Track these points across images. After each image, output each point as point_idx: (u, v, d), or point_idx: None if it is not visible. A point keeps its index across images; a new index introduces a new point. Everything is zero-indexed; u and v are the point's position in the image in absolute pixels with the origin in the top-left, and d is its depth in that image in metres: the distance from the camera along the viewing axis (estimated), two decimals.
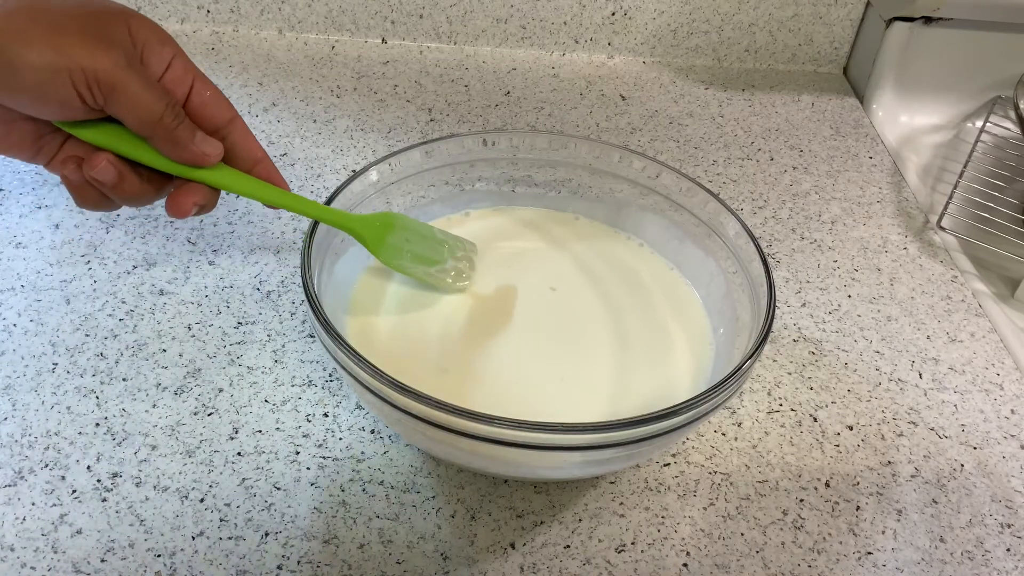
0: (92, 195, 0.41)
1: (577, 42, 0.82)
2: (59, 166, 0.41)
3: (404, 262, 0.48)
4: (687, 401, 0.38)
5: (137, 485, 0.43)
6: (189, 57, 0.42)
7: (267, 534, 0.41)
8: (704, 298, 0.51)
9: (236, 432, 0.46)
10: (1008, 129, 0.74)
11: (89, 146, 0.40)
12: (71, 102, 0.37)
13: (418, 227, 0.49)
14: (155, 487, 0.43)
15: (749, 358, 0.40)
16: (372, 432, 0.46)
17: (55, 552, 0.40)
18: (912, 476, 0.48)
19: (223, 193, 0.44)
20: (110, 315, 0.51)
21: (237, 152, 0.43)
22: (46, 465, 0.43)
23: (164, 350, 0.49)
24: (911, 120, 0.79)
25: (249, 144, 0.44)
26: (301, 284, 0.42)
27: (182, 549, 0.40)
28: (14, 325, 0.50)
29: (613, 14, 0.80)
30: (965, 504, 0.46)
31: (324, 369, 0.49)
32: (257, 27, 0.79)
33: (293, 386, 0.48)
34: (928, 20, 0.76)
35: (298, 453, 0.45)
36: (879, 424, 0.50)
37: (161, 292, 0.53)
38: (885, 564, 0.43)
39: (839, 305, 0.58)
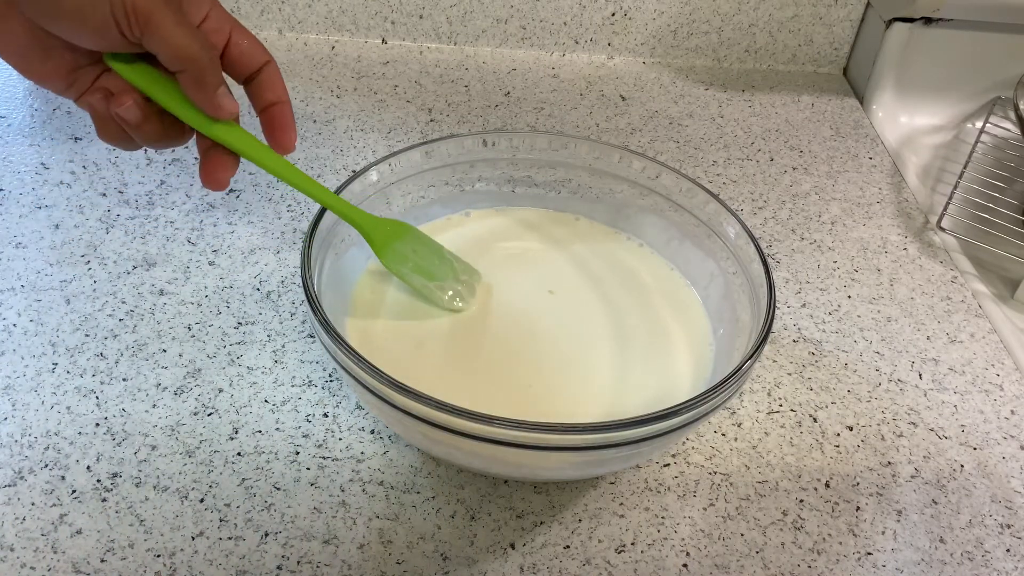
0: (113, 129, 0.42)
1: (577, 42, 0.82)
2: (88, 96, 0.42)
3: (405, 270, 0.48)
4: (687, 401, 0.38)
5: (137, 485, 0.43)
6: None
7: (267, 534, 0.41)
8: (704, 298, 0.51)
9: (236, 432, 0.46)
10: (1008, 130, 0.74)
11: (122, 83, 0.41)
12: (109, 31, 0.37)
13: (428, 243, 0.49)
14: (155, 487, 0.43)
15: (749, 359, 0.40)
16: (372, 432, 0.46)
17: (55, 552, 0.40)
18: (912, 476, 0.48)
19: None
20: (110, 315, 0.51)
21: (262, 89, 0.45)
22: (46, 465, 0.43)
23: (164, 350, 0.49)
24: (911, 121, 0.79)
25: (274, 85, 0.45)
26: (301, 284, 0.42)
27: (182, 549, 0.40)
28: (14, 325, 0.50)
29: (613, 15, 0.80)
30: (965, 505, 0.46)
31: (324, 369, 0.49)
32: (257, 27, 0.79)
33: (293, 386, 0.48)
34: (928, 21, 0.76)
35: (298, 453, 0.45)
36: (879, 425, 0.50)
37: (161, 292, 0.53)
38: (885, 565, 0.43)
39: (839, 306, 0.58)
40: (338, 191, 0.47)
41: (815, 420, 0.50)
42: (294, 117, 0.45)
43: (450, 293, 0.49)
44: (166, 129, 0.42)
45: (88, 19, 0.37)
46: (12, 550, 0.40)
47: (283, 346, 0.50)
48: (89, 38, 0.38)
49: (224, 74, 0.43)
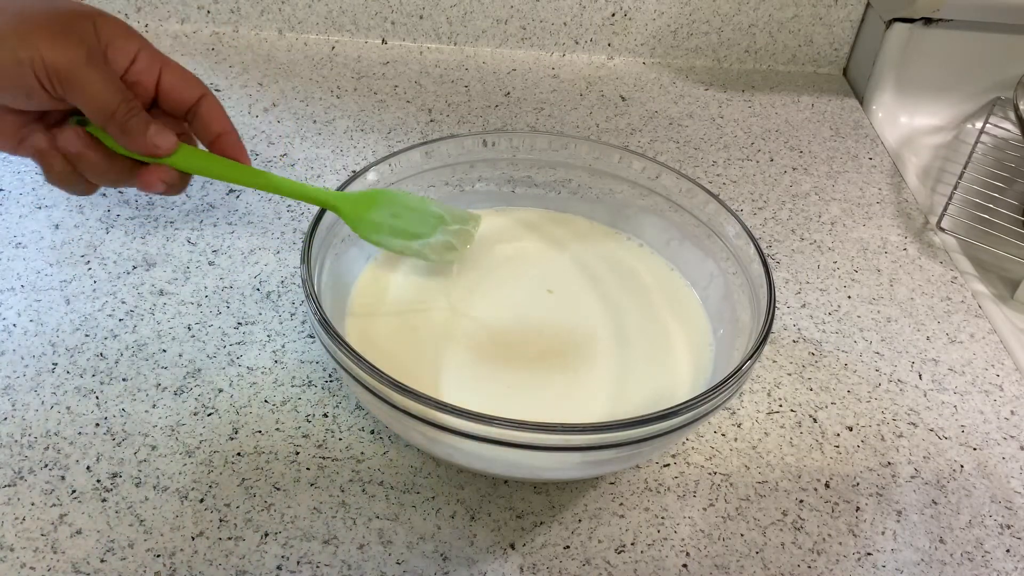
0: (58, 165, 0.43)
1: (577, 43, 0.82)
2: (30, 139, 0.43)
3: (382, 236, 0.48)
4: (687, 402, 0.38)
5: (137, 485, 0.43)
6: (158, 49, 0.44)
7: (267, 534, 0.41)
8: (704, 299, 0.51)
9: (236, 432, 0.46)
10: (1008, 130, 0.74)
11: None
12: (35, 91, 0.39)
13: (409, 201, 0.49)
14: (155, 487, 0.43)
15: (749, 359, 0.40)
16: (372, 432, 0.46)
17: (55, 552, 0.40)
18: (912, 477, 0.48)
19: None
20: (110, 315, 0.51)
21: (204, 125, 0.45)
22: (46, 465, 0.43)
23: (164, 350, 0.49)
24: (911, 121, 0.79)
25: (216, 117, 0.46)
26: (301, 284, 0.42)
27: (182, 549, 0.40)
28: (14, 325, 0.50)
29: (613, 15, 0.80)
30: (965, 505, 0.46)
31: (324, 369, 0.49)
32: (257, 27, 0.79)
33: (293, 386, 0.48)
34: (928, 21, 0.76)
35: (298, 453, 0.45)
36: (879, 425, 0.50)
37: (161, 292, 0.53)
38: (885, 565, 0.43)
39: (839, 306, 0.58)
40: (339, 191, 0.47)
41: (815, 420, 0.50)
42: (242, 143, 0.46)
43: (438, 248, 0.49)
44: (109, 161, 0.43)
45: (14, 82, 0.39)
46: (12, 550, 0.40)
47: (283, 346, 0.50)
48: (21, 100, 0.40)
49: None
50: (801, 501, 0.46)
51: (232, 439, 0.45)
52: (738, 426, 0.49)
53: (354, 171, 0.54)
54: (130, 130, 0.41)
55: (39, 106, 0.41)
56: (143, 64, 0.43)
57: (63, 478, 0.43)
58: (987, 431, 0.51)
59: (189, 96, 0.45)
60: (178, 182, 0.45)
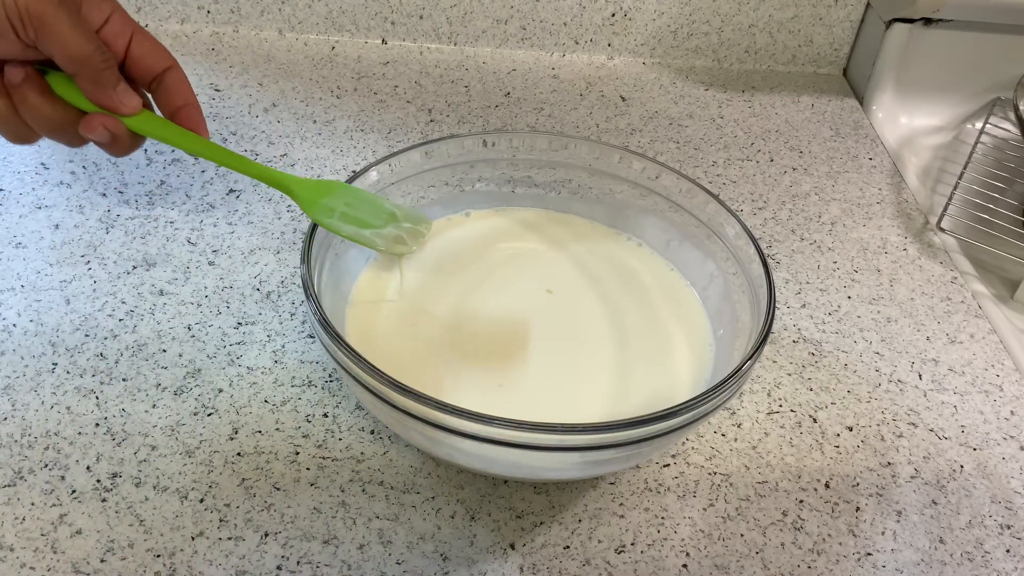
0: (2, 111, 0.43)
1: (577, 43, 0.82)
2: None
3: (334, 221, 0.47)
4: (687, 402, 0.38)
5: (137, 485, 0.43)
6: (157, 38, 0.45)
7: (267, 534, 0.41)
8: (704, 299, 0.51)
9: (236, 432, 0.46)
10: (1008, 130, 0.74)
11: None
12: (6, 34, 0.39)
13: (365, 196, 0.49)
14: (155, 487, 0.43)
15: (749, 359, 0.40)
16: (372, 432, 0.46)
17: (54, 552, 0.40)
18: (912, 477, 0.48)
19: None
20: (110, 315, 0.51)
21: (168, 95, 0.46)
22: (45, 465, 0.43)
23: (164, 350, 0.49)
24: (911, 121, 0.79)
25: (181, 88, 0.46)
26: (301, 284, 0.42)
27: (181, 549, 0.40)
28: (14, 325, 0.50)
29: (613, 15, 0.80)
30: (965, 505, 0.46)
31: (324, 369, 0.49)
32: (257, 27, 0.79)
33: (293, 386, 0.48)
34: (928, 21, 0.76)
35: (298, 454, 0.45)
36: (879, 425, 0.50)
37: (161, 292, 0.53)
38: (885, 565, 0.43)
39: (839, 306, 0.58)
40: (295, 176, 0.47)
41: (815, 420, 0.50)
42: (203, 117, 0.46)
43: (388, 239, 0.49)
44: (55, 108, 0.43)
45: None
46: (12, 550, 0.40)
47: (283, 346, 0.50)
48: None
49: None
50: (801, 501, 0.46)
51: (232, 439, 0.45)
52: (738, 426, 0.49)
53: (354, 171, 0.54)
54: (102, 81, 0.41)
55: (5, 53, 0.40)
56: (116, 27, 0.43)
57: (63, 478, 0.43)
58: (987, 431, 0.51)
59: (157, 65, 0.45)
60: (126, 140, 0.45)
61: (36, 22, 0.38)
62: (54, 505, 0.42)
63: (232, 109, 0.69)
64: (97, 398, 0.46)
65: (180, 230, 0.57)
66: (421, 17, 0.79)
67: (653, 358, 0.48)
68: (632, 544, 0.43)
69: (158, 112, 0.47)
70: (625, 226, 0.55)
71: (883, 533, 0.45)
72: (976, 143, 0.73)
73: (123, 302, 0.52)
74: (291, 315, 0.52)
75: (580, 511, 0.44)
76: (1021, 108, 0.67)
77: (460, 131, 0.70)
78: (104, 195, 0.59)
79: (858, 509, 0.46)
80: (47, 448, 0.44)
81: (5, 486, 0.42)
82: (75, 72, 0.41)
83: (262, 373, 0.49)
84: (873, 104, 0.80)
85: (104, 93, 0.42)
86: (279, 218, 0.59)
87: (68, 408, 0.46)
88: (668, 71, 0.83)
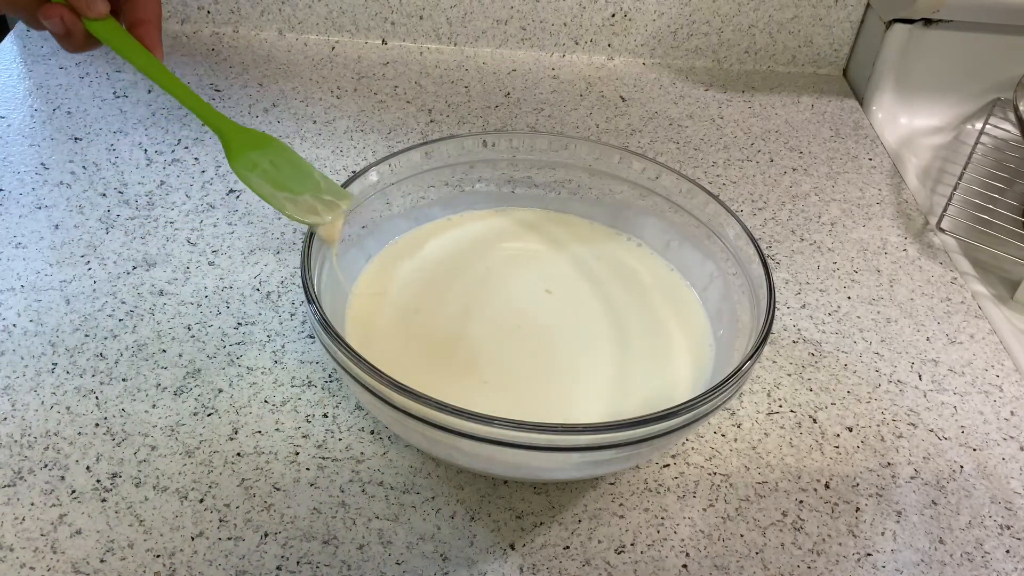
0: None
1: (577, 43, 0.82)
2: None
3: (254, 176, 0.47)
4: (687, 402, 0.38)
5: (136, 485, 0.43)
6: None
7: (266, 535, 0.41)
8: (704, 299, 0.51)
9: (236, 433, 0.46)
10: (1008, 131, 0.74)
11: None
12: None
13: (294, 157, 0.48)
14: (154, 487, 0.43)
15: (749, 359, 0.40)
16: (372, 433, 0.46)
17: (54, 552, 0.40)
18: (912, 477, 0.48)
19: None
20: (110, 315, 0.51)
21: (134, 8, 0.47)
22: (45, 465, 0.43)
23: (164, 350, 0.49)
24: (911, 122, 0.79)
25: (149, 5, 0.47)
26: (301, 284, 0.42)
27: (181, 549, 0.40)
28: (14, 325, 0.50)
29: (613, 15, 0.80)
30: (965, 506, 0.46)
31: (324, 370, 0.49)
32: (257, 28, 0.79)
33: (293, 387, 0.48)
34: (928, 22, 0.76)
35: (297, 454, 0.45)
36: (879, 425, 0.50)
37: (161, 293, 0.53)
38: (884, 565, 0.43)
39: (839, 307, 0.58)
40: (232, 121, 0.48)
41: (815, 421, 0.50)
42: (161, 40, 0.47)
43: (302, 207, 0.47)
44: None
45: None
46: (12, 550, 0.40)
47: (283, 346, 0.50)
48: None
49: None
50: (801, 502, 0.46)
51: (232, 439, 0.45)
52: (738, 427, 0.49)
53: (354, 171, 0.54)
54: None
55: None
56: None
57: (63, 478, 0.43)
58: (987, 432, 0.51)
59: None
60: (80, 39, 0.46)
61: None
62: (54, 505, 0.42)
63: (232, 109, 0.69)
64: (97, 398, 0.46)
65: (180, 230, 0.57)
66: (421, 17, 0.79)
67: (653, 358, 0.48)
68: (632, 544, 0.43)
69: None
70: (625, 226, 0.55)
71: (883, 533, 0.45)
72: (976, 143, 0.73)
73: (123, 302, 0.52)
74: (291, 315, 0.52)
75: (580, 511, 0.44)
76: (1021, 108, 0.67)
77: (460, 131, 0.70)
78: (104, 195, 0.59)
79: (858, 509, 0.46)
80: (47, 448, 0.44)
81: (5, 486, 0.42)
82: None
83: (262, 373, 0.49)
84: (873, 104, 0.80)
85: None
86: (279, 218, 0.59)
87: (68, 408, 0.46)
88: (668, 71, 0.83)
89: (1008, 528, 0.46)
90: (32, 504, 0.41)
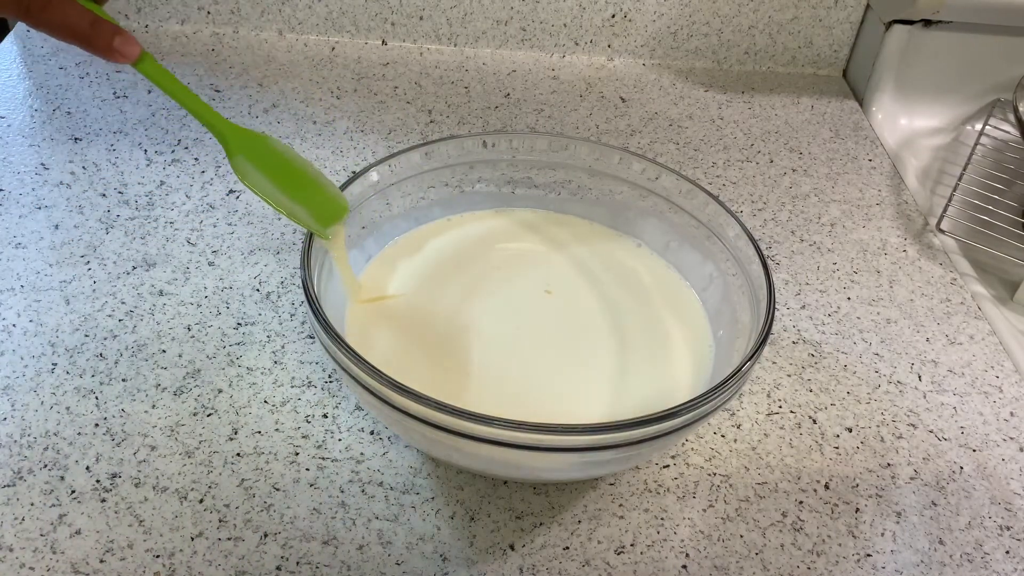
0: None
1: (577, 44, 0.82)
2: None
3: (254, 176, 0.46)
4: (686, 403, 0.38)
5: (136, 486, 0.43)
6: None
7: (266, 535, 0.41)
8: (704, 300, 0.51)
9: (235, 433, 0.46)
10: (1007, 132, 0.74)
11: None
12: (15, 7, 0.41)
13: (296, 159, 0.48)
14: (154, 488, 0.43)
15: (748, 360, 0.40)
16: (371, 433, 0.46)
17: (54, 552, 0.40)
18: (911, 478, 0.48)
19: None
20: (110, 316, 0.51)
21: None
22: (45, 465, 0.43)
23: (164, 351, 0.49)
24: (910, 123, 0.79)
25: None
26: (301, 284, 0.42)
27: (181, 550, 0.40)
28: (13, 325, 0.50)
29: (613, 16, 0.80)
30: (964, 506, 0.46)
31: (324, 370, 0.49)
32: (257, 28, 0.79)
33: (292, 387, 0.48)
34: (927, 23, 0.76)
35: (297, 454, 0.45)
36: (878, 426, 0.50)
37: (161, 293, 0.53)
38: (884, 566, 0.43)
39: (838, 307, 0.58)
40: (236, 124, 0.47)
41: (814, 422, 0.50)
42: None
43: (303, 205, 0.46)
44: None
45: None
46: (11, 550, 0.40)
47: (283, 347, 0.50)
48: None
49: None
50: (801, 502, 0.46)
51: (231, 439, 0.45)
52: (738, 427, 0.49)
53: (354, 172, 0.54)
54: (96, 47, 0.43)
55: (11, 15, 0.42)
56: None
57: (62, 478, 0.43)
58: (987, 432, 0.51)
59: None
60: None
61: (41, 3, 0.41)
62: (53, 505, 0.41)
63: (232, 110, 0.69)
64: (97, 398, 0.46)
65: (180, 230, 0.57)
66: (421, 18, 0.79)
67: (653, 359, 0.48)
68: (632, 545, 0.43)
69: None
70: (625, 227, 0.55)
71: (883, 534, 0.45)
72: (976, 144, 0.73)
73: (123, 302, 0.52)
74: (291, 315, 0.52)
75: (580, 512, 0.44)
76: (1021, 109, 0.67)
77: (460, 132, 0.70)
78: (104, 195, 0.59)
79: (858, 510, 0.46)
80: (46, 448, 0.44)
81: (5, 486, 0.42)
82: (72, 43, 0.43)
83: (262, 374, 0.49)
84: (873, 105, 0.80)
85: (99, 52, 0.43)
86: (279, 218, 0.59)
87: (68, 408, 0.46)
88: (668, 72, 0.83)
89: (1008, 529, 0.46)
90: (32, 504, 0.41)
